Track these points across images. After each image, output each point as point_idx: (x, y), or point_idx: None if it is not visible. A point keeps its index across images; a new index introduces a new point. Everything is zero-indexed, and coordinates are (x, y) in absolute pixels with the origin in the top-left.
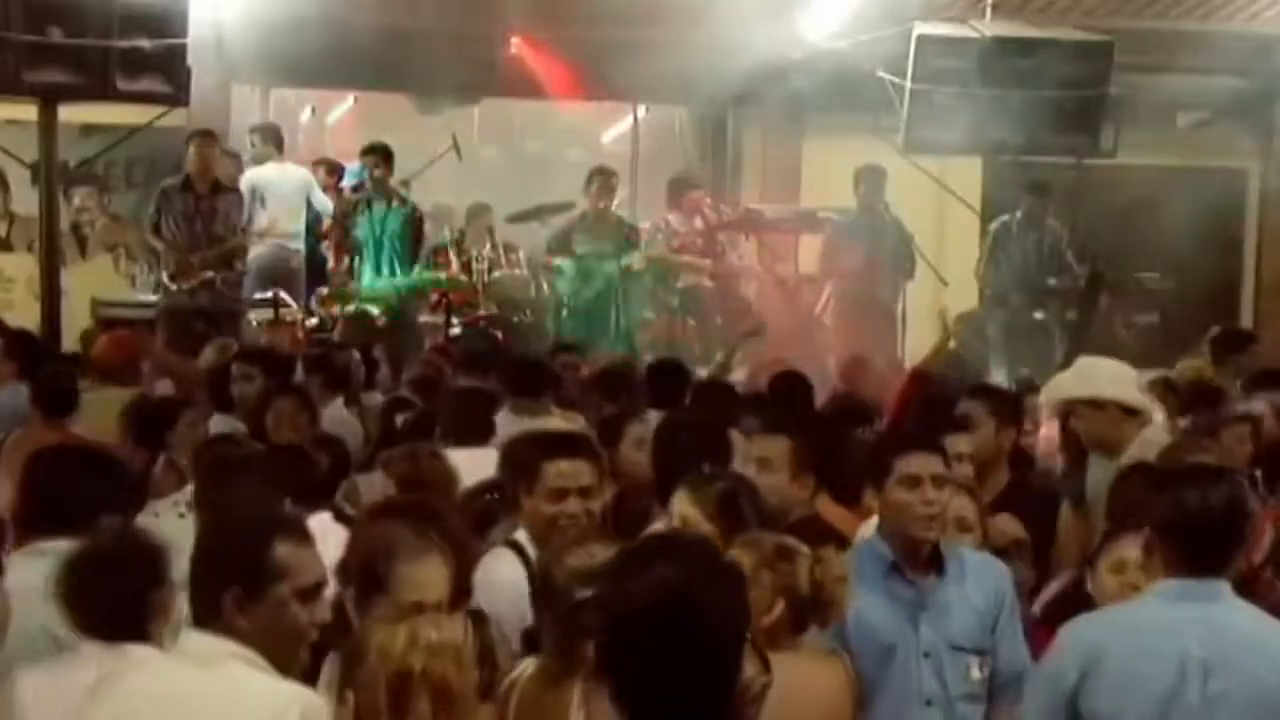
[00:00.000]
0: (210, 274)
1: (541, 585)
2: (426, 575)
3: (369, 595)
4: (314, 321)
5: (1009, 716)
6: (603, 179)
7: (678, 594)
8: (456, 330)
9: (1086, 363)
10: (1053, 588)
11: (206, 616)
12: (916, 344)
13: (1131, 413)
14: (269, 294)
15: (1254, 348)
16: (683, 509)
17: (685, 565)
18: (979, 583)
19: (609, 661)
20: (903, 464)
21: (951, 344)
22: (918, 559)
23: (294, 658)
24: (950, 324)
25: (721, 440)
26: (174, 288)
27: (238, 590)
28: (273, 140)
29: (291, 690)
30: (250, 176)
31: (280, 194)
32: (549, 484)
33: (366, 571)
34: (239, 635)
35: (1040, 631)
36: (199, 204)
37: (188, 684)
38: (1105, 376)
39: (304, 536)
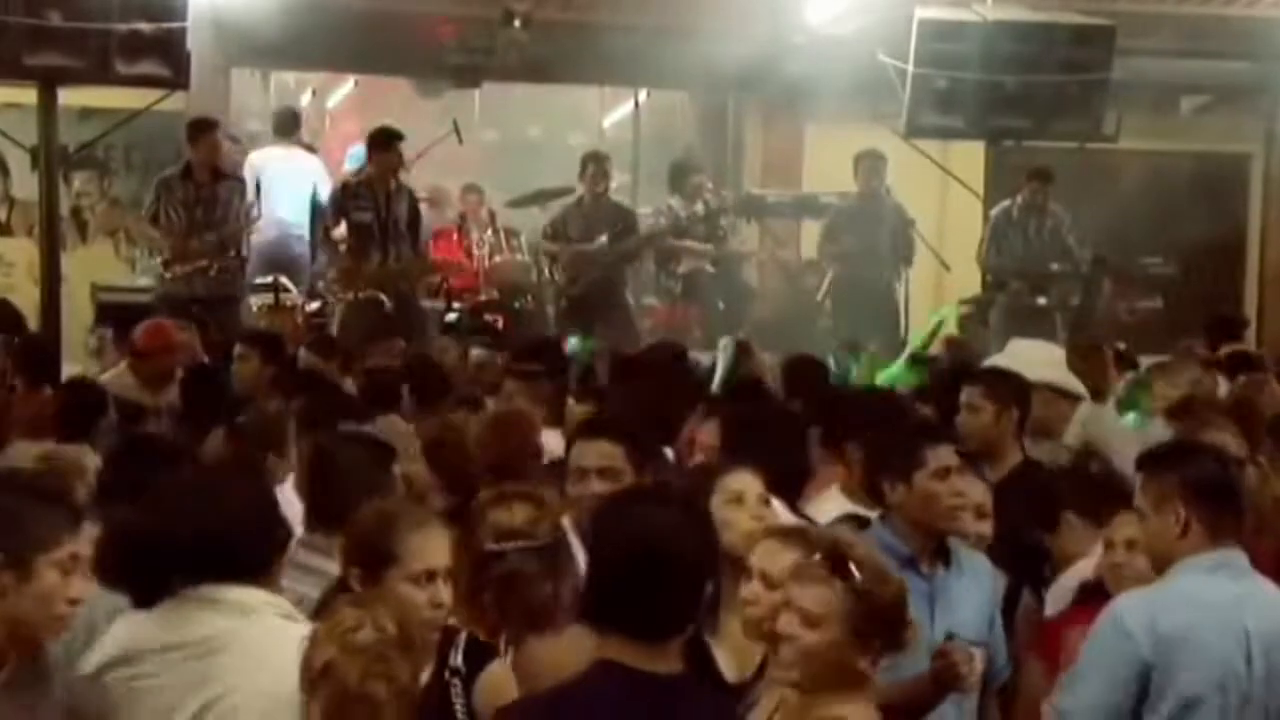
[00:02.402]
0: (206, 262)
1: (462, 536)
2: (434, 543)
3: (377, 571)
4: (314, 306)
5: (994, 709)
6: (597, 164)
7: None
8: (454, 315)
9: (1017, 346)
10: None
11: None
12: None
13: (1064, 394)
14: (269, 279)
15: (1246, 334)
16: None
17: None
18: (975, 576)
19: (601, 595)
20: (934, 455)
21: (945, 328)
22: (929, 551)
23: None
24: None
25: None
26: (168, 275)
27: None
28: (287, 126)
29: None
30: (255, 160)
31: (286, 180)
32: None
33: (370, 548)
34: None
35: (1047, 627)
36: (200, 192)
37: (228, 630)
38: (1038, 360)
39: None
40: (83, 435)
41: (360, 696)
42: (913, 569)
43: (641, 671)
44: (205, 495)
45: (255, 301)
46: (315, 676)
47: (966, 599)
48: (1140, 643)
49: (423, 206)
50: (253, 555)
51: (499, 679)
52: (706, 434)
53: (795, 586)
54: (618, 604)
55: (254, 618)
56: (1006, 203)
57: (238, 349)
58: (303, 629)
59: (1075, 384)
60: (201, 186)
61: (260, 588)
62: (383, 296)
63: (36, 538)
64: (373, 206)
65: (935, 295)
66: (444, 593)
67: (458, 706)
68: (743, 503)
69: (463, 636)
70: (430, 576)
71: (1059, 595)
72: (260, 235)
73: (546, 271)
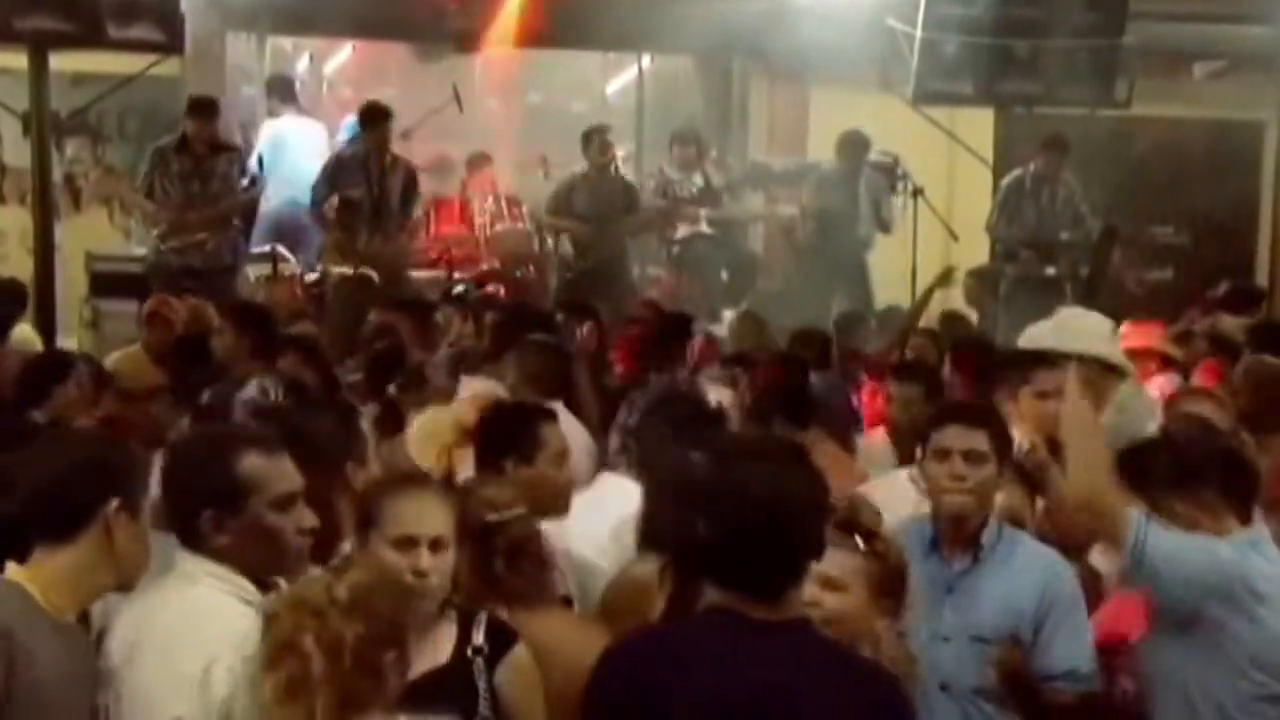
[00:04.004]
0: (203, 235)
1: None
2: (416, 510)
3: (364, 534)
4: (313, 277)
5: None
6: (601, 137)
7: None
8: (461, 287)
9: (1068, 315)
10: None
11: (189, 538)
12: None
13: (1110, 369)
14: (267, 249)
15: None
16: None
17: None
18: (1025, 575)
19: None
20: (938, 436)
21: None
22: (956, 539)
23: (284, 568)
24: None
25: None
26: (164, 247)
27: (211, 512)
28: (285, 94)
29: (225, 631)
30: (268, 130)
31: (296, 149)
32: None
33: (361, 511)
34: (223, 554)
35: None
36: (197, 165)
37: (167, 598)
38: (1088, 330)
39: (271, 447)
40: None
41: (289, 645)
42: (935, 554)
43: (750, 616)
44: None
45: (252, 272)
46: (262, 627)
47: (994, 596)
48: (1230, 577)
49: (424, 176)
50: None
51: (525, 661)
52: None
53: None
54: (734, 559)
55: None
56: (1018, 171)
57: (215, 321)
58: None
59: (1125, 360)
60: (198, 160)
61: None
62: (373, 274)
63: (143, 483)
64: (364, 182)
65: (943, 265)
66: (426, 560)
67: (480, 685)
68: None
69: (484, 616)
70: (411, 543)
71: None
72: (268, 205)
73: (550, 241)
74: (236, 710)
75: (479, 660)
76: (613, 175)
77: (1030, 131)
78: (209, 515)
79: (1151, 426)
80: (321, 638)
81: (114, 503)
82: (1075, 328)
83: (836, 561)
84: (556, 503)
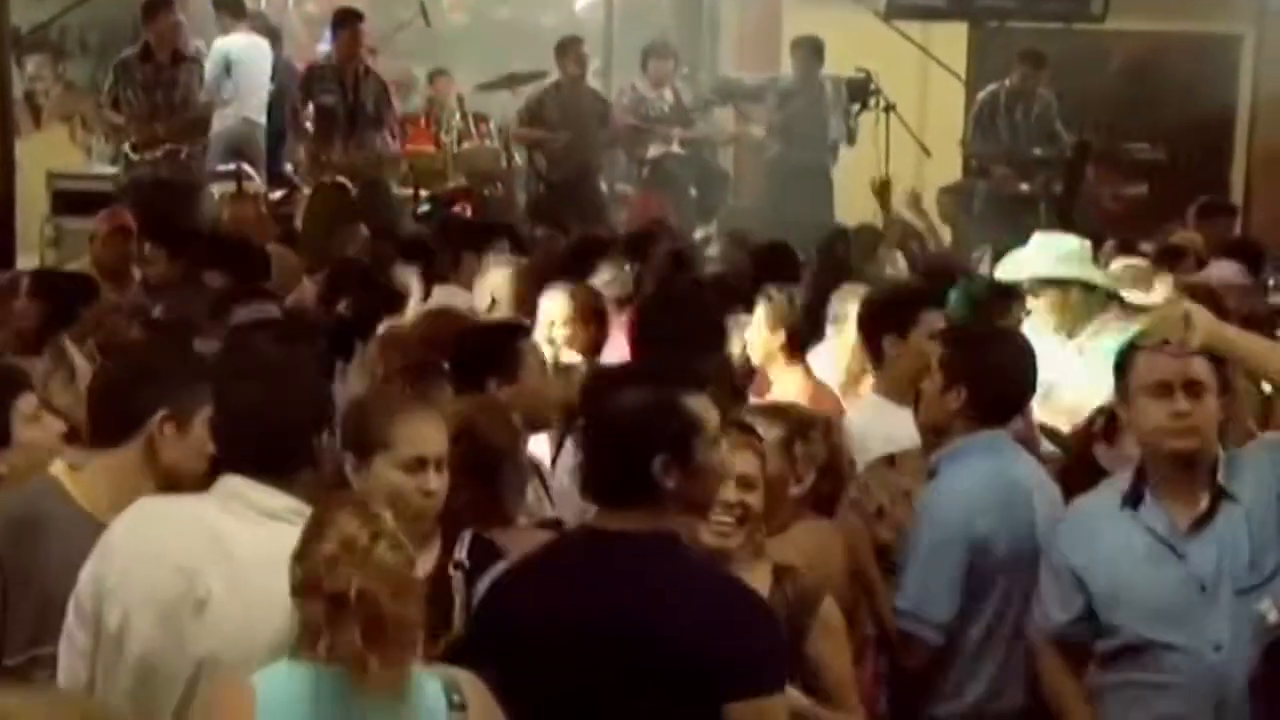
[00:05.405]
0: (175, 145)
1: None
2: (427, 431)
3: (368, 457)
4: (278, 195)
5: None
6: (577, 48)
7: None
8: (426, 207)
9: (1044, 240)
10: None
11: (274, 470)
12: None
13: (1090, 290)
14: (231, 167)
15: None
16: None
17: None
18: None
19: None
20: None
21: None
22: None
23: None
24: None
25: None
26: (136, 158)
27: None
28: (236, 11)
29: None
30: (220, 47)
31: (248, 67)
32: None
33: (364, 432)
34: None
35: None
36: (159, 74)
37: (244, 533)
38: (1070, 254)
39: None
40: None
41: (359, 594)
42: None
43: (607, 530)
44: None
45: (217, 189)
46: (316, 568)
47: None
48: None
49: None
50: None
51: None
52: None
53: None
54: (588, 472)
55: None
56: (994, 86)
57: (145, 248)
58: None
59: (1109, 280)
60: (161, 69)
61: None
62: (348, 183)
63: (196, 396)
64: (338, 90)
65: (916, 181)
66: (434, 480)
67: (457, 600)
68: None
69: (469, 533)
70: (421, 463)
71: None
72: (222, 122)
73: (519, 158)
74: None
75: (459, 575)
76: (586, 87)
77: (1005, 47)
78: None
79: None
80: (389, 582)
81: (161, 413)
82: (1056, 252)
83: (745, 461)
84: (546, 416)
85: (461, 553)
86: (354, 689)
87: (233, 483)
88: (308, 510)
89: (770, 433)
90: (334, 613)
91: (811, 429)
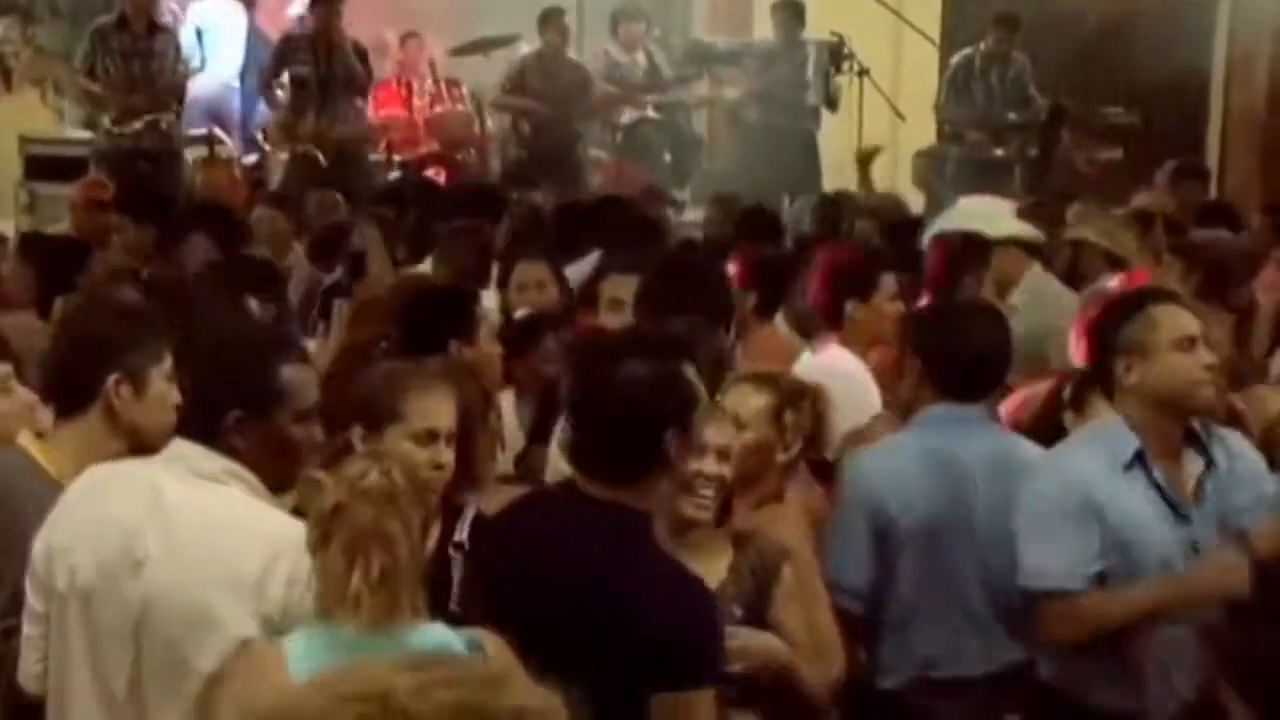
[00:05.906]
0: (154, 116)
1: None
2: (439, 404)
3: (379, 429)
4: (252, 159)
5: None
6: (557, 19)
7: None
8: (398, 172)
9: (973, 202)
10: None
11: (203, 433)
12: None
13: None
14: (204, 131)
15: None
16: None
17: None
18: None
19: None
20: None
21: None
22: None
23: (288, 480)
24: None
25: None
26: (117, 131)
27: (238, 413)
28: None
29: (284, 530)
30: (194, 13)
31: (222, 31)
32: None
33: (375, 405)
34: (234, 455)
35: None
36: (136, 44)
37: (183, 495)
38: (1006, 213)
39: (305, 358)
40: None
41: (374, 532)
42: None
43: (583, 492)
44: None
45: (190, 154)
46: (326, 518)
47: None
48: None
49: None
50: None
51: None
52: None
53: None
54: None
55: None
56: (968, 50)
57: (113, 218)
58: None
59: (1040, 237)
60: (138, 39)
61: None
62: (318, 153)
63: (148, 353)
64: (311, 61)
65: (890, 146)
66: (445, 454)
67: (455, 580)
68: None
69: (470, 512)
70: (433, 436)
71: None
72: (197, 88)
73: (491, 123)
74: (294, 608)
75: (459, 556)
76: (567, 58)
77: (979, 10)
78: (235, 416)
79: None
80: (404, 523)
81: (113, 377)
82: (986, 212)
83: (723, 433)
84: (497, 380)
85: (462, 534)
86: (379, 640)
87: (177, 445)
88: (244, 473)
89: (760, 400)
90: (350, 557)
91: (802, 398)
